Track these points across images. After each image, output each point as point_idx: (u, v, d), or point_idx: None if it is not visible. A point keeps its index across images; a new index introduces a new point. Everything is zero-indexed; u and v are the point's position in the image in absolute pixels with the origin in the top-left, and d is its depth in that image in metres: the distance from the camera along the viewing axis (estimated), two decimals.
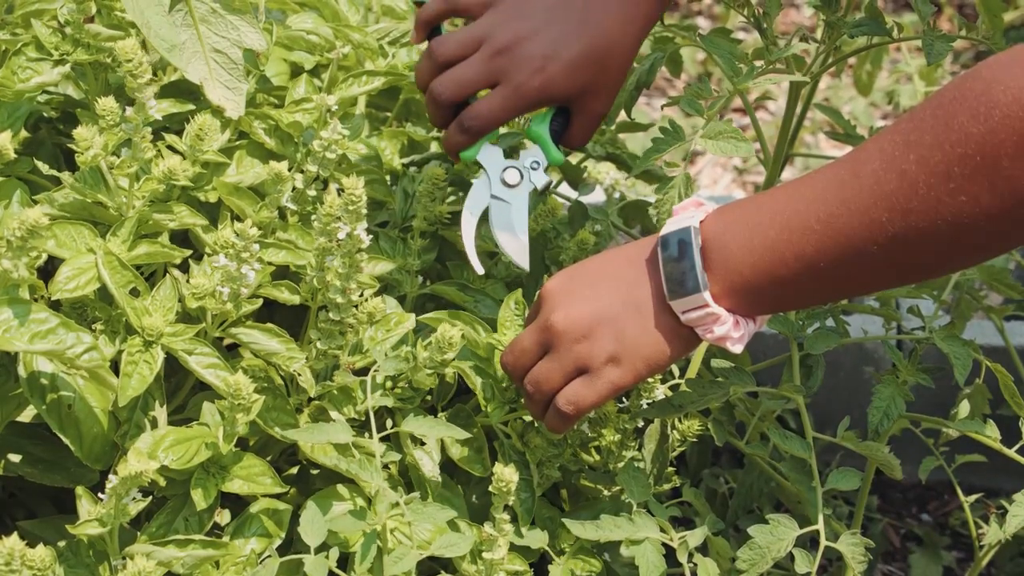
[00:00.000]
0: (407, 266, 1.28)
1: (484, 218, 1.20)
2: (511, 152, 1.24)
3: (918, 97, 2.42)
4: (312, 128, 1.26)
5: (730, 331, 0.99)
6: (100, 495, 0.99)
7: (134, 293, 1.08)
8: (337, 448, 1.11)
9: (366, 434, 1.10)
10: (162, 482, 1.07)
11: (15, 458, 1.12)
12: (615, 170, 1.73)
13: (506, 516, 1.07)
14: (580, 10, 1.14)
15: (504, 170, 1.20)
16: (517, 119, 1.31)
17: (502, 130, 1.22)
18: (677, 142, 1.17)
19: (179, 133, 1.19)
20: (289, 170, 1.18)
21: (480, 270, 1.21)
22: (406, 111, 1.51)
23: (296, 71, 1.37)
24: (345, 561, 1.07)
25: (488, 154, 1.20)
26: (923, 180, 0.87)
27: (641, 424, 1.23)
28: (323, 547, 1.04)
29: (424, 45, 1.22)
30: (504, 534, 1.07)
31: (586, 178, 1.61)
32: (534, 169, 1.20)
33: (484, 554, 1.08)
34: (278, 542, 1.09)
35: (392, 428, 1.11)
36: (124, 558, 1.01)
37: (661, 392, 1.21)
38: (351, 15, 1.42)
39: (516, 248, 1.19)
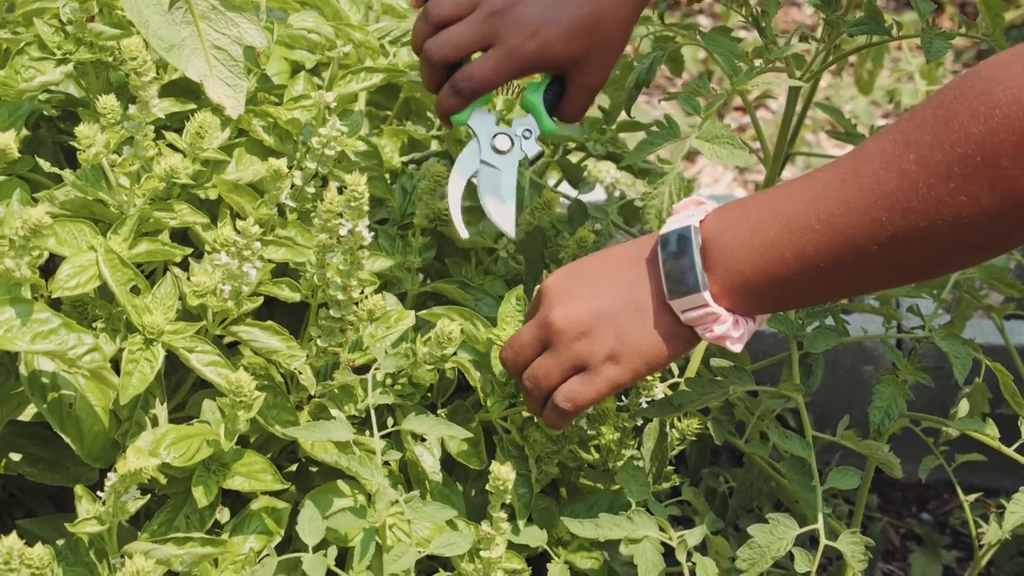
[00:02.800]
0: (407, 263, 1.28)
1: (473, 201, 1.20)
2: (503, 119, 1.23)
3: (919, 96, 2.42)
4: (311, 125, 1.26)
5: (729, 330, 0.99)
6: (99, 494, 0.99)
7: (135, 291, 1.08)
8: (337, 445, 1.11)
9: (366, 431, 1.10)
10: (163, 480, 1.08)
11: (15, 457, 1.12)
12: (615, 169, 1.73)
13: (503, 515, 1.07)
14: None
15: (495, 136, 1.19)
16: (510, 86, 1.30)
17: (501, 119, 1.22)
18: (671, 138, 1.17)
19: (179, 131, 1.19)
20: (288, 167, 1.18)
21: (464, 234, 1.19)
22: (406, 109, 1.51)
23: (297, 70, 1.37)
24: (344, 558, 1.07)
25: (479, 119, 1.19)
26: (923, 180, 0.87)
27: (640, 423, 1.23)
28: (322, 545, 1.04)
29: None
30: (502, 532, 1.07)
31: (586, 177, 1.61)
32: (526, 138, 1.20)
33: (482, 552, 1.08)
34: (277, 540, 1.09)
35: (393, 426, 1.11)
36: (123, 556, 1.01)
37: (660, 391, 1.21)
38: (352, 14, 1.42)
39: (502, 213, 1.19)
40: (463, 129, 1.20)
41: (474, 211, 1.22)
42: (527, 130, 1.20)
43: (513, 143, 1.19)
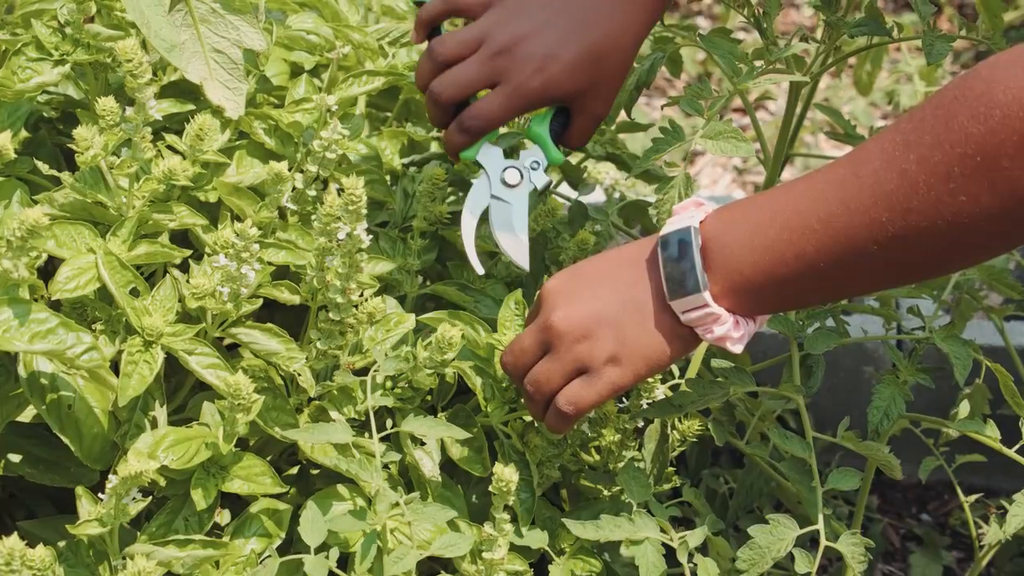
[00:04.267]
0: (407, 266, 1.28)
1: (484, 218, 1.20)
2: (511, 152, 1.24)
3: (918, 97, 2.42)
4: (312, 128, 1.26)
5: (730, 331, 0.99)
6: (100, 495, 0.99)
7: (134, 293, 1.08)
8: (337, 448, 1.11)
9: (366, 434, 1.10)
10: (162, 482, 1.07)
11: (15, 458, 1.12)
12: (615, 170, 1.73)
13: (506, 516, 1.07)
14: (580, 10, 1.14)
15: (504, 170, 1.20)
16: (517, 119, 1.31)
17: (502, 130, 1.23)
18: (677, 142, 1.17)
19: (179, 133, 1.19)
20: (289, 170, 1.18)
21: (480, 270, 1.21)
22: (406, 111, 1.51)
23: (296, 71, 1.37)
24: (345, 561, 1.07)
25: (488, 154, 1.20)
26: (923, 180, 0.87)
27: (641, 424, 1.23)
28: (323, 547, 1.04)
29: (424, 45, 1.22)
30: (504, 534, 1.07)
31: (586, 178, 1.61)
32: (534, 169, 1.21)
33: (484, 554, 1.08)
34: (278, 542, 1.09)
35: (392, 428, 1.11)
36: (124, 558, 1.01)
37: (661, 392, 1.21)
38: (351, 15, 1.42)
39: (516, 248, 1.19)
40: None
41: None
42: (535, 161, 1.20)
43: (522, 176, 1.20)
